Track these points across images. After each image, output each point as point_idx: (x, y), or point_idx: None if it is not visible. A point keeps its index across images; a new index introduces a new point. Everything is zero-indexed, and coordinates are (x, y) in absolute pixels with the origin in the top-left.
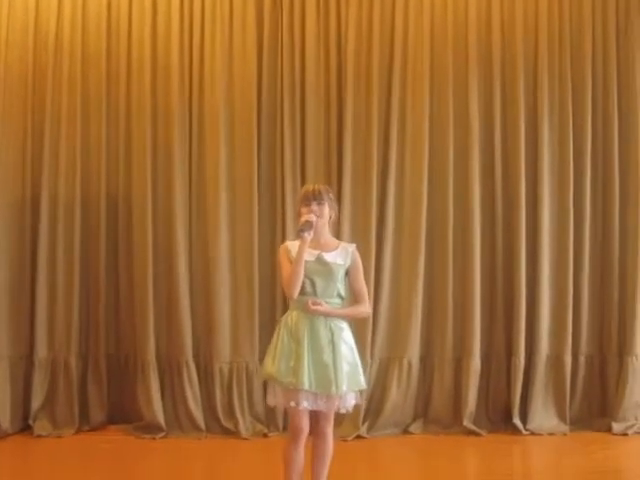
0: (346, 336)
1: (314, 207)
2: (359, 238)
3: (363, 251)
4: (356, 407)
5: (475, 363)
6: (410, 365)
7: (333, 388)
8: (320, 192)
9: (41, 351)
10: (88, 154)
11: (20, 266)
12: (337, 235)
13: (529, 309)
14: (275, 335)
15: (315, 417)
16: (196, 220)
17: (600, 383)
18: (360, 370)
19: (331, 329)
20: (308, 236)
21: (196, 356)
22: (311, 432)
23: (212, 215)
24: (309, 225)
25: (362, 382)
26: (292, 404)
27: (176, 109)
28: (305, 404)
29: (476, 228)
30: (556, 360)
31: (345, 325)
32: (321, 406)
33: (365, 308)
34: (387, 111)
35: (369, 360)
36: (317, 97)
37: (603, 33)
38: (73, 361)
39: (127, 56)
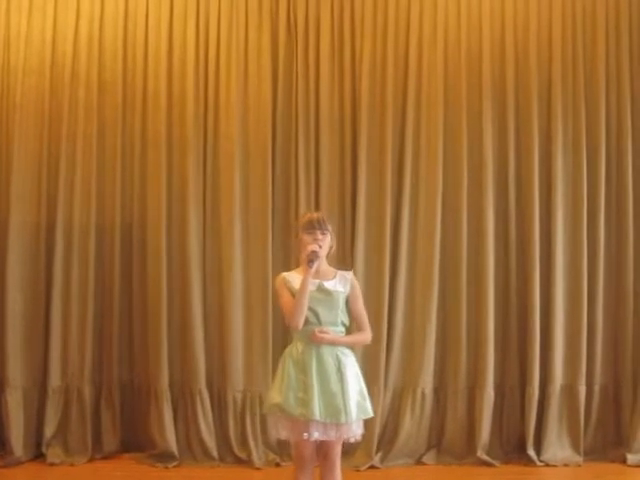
0: (352, 364)
1: (319, 236)
2: (373, 268)
3: (377, 281)
4: (368, 436)
5: (489, 393)
6: (423, 395)
7: (343, 417)
8: (325, 221)
9: (54, 379)
10: (103, 181)
11: (34, 294)
12: (352, 265)
13: (543, 339)
14: (280, 367)
15: (323, 447)
16: (210, 249)
17: (615, 413)
18: (367, 398)
19: (337, 357)
20: (313, 267)
21: (209, 385)
22: (319, 463)
23: (226, 244)
24: (316, 255)
25: (369, 410)
26: (305, 436)
27: (191, 138)
28: (316, 435)
29: (489, 258)
30: (570, 390)
31: (350, 352)
32: (331, 436)
33: (368, 335)
34: (401, 143)
35: (382, 390)
36: (331, 129)
37: (616, 61)
38: (86, 389)
39: (143, 85)
